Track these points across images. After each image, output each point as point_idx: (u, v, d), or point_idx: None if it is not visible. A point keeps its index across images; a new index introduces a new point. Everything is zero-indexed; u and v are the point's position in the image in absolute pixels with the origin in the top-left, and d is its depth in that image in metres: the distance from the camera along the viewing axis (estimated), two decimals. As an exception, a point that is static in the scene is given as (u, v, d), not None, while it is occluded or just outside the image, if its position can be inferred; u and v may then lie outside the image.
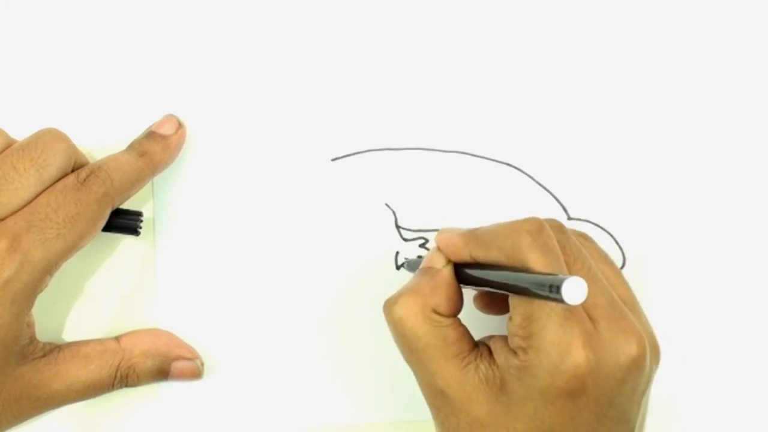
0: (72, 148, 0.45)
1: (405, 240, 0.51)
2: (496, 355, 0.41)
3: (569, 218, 0.51)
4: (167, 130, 0.48)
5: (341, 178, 0.51)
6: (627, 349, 0.39)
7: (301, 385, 0.51)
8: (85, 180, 0.44)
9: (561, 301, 0.36)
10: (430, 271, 0.44)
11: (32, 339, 0.45)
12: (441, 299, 0.42)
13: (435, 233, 0.46)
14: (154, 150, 0.48)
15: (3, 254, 0.42)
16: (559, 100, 0.51)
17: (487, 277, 0.42)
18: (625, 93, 0.52)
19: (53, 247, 0.43)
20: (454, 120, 0.51)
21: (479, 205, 0.51)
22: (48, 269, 0.43)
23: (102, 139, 0.49)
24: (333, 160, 0.51)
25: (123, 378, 0.47)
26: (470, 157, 0.51)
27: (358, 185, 0.51)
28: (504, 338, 0.42)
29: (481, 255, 0.42)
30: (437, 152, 0.51)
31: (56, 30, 0.49)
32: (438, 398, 0.42)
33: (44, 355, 0.45)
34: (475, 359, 0.41)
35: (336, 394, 0.51)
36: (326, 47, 0.50)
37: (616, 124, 0.52)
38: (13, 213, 0.43)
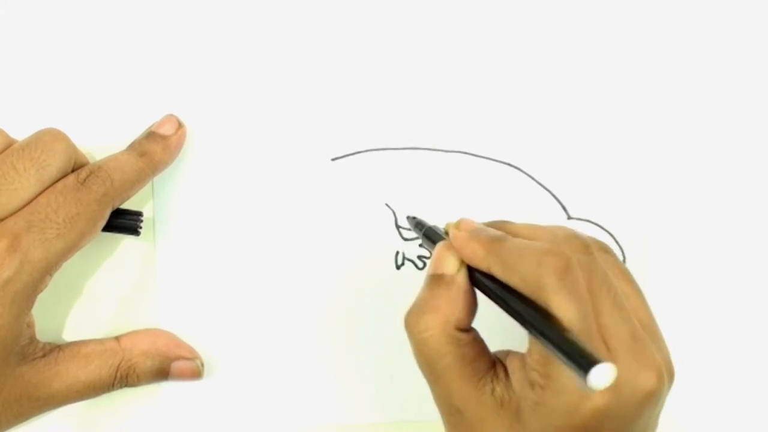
0: (72, 148, 0.45)
1: (405, 240, 0.51)
2: (513, 379, 0.40)
3: (569, 218, 0.51)
4: (167, 130, 0.48)
5: (341, 178, 0.51)
6: (646, 385, 0.38)
7: (301, 385, 0.51)
8: (85, 180, 0.44)
9: (582, 379, 0.34)
10: (444, 280, 0.42)
11: (32, 339, 0.45)
12: (461, 312, 0.41)
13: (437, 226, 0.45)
14: (154, 150, 0.48)
15: (3, 254, 0.42)
16: (559, 100, 0.51)
17: (510, 303, 0.39)
18: (625, 93, 0.52)
19: (53, 247, 0.43)
20: (454, 120, 0.51)
21: (479, 205, 0.51)
22: (48, 269, 0.43)
23: (102, 139, 0.49)
24: (333, 160, 0.51)
25: (123, 378, 0.47)
26: (470, 157, 0.51)
27: (358, 185, 0.51)
28: (520, 358, 0.40)
29: (500, 274, 0.40)
30: (437, 152, 0.51)
31: (56, 30, 0.49)
32: (454, 415, 0.41)
33: (44, 355, 0.45)
34: (491, 380, 0.41)
35: (336, 394, 0.51)
36: (326, 47, 0.50)
37: (616, 125, 0.52)
38: (13, 213, 0.43)
